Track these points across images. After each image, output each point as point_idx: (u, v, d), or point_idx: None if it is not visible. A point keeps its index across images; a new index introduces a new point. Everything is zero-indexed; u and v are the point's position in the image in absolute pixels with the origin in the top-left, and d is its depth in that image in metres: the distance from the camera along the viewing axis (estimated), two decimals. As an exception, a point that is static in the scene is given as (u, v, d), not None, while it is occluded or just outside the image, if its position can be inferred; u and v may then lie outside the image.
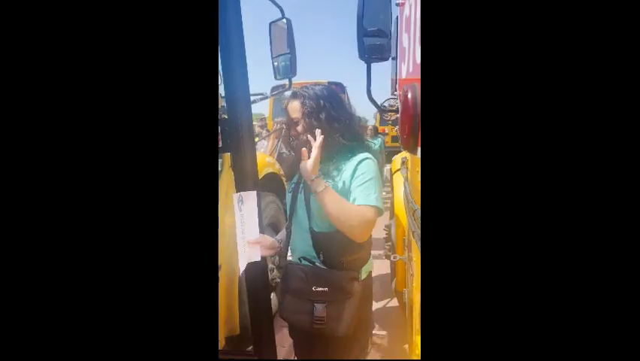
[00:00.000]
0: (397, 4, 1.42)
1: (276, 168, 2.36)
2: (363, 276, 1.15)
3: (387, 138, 5.73)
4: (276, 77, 2.06)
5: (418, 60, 0.79)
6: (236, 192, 1.13)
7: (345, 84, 6.59)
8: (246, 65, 1.25)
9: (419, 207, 0.85)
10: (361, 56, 1.40)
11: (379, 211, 1.05)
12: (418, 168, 0.86)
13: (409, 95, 0.72)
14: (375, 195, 1.05)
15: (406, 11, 1.20)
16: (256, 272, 1.08)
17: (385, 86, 3.00)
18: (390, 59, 2.17)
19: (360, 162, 1.09)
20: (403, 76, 1.27)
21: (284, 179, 2.35)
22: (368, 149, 1.15)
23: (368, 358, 1.77)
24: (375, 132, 5.90)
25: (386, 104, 2.84)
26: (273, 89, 5.31)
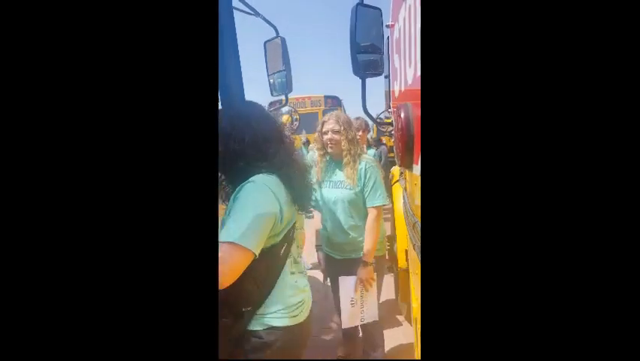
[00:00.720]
0: (387, 26, 1.46)
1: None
2: (265, 338, 0.87)
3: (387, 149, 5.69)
4: (272, 94, 2.09)
5: (410, 80, 0.81)
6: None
7: (341, 98, 6.64)
8: (242, 82, 1.28)
9: (419, 220, 0.86)
10: (356, 72, 1.42)
11: (244, 251, 0.80)
12: (416, 182, 0.87)
13: (402, 115, 0.73)
14: (240, 230, 0.80)
15: (396, 34, 1.23)
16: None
17: (380, 97, 3.04)
18: (383, 76, 2.20)
19: (239, 190, 0.87)
20: (396, 95, 1.29)
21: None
22: (278, 167, 0.93)
23: (368, 358, 1.75)
24: (375, 143, 5.69)
25: (382, 116, 2.87)
26: (270, 104, 5.35)
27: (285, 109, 2.80)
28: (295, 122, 2.88)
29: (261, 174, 0.89)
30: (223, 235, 0.80)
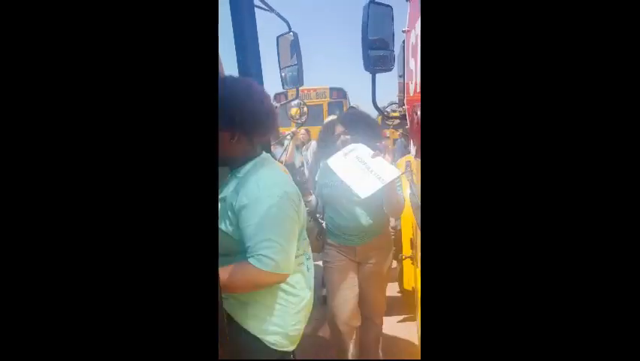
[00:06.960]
0: (403, 31, 1.52)
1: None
2: None
3: (389, 142, 5.77)
4: (283, 87, 2.15)
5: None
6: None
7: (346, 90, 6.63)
8: (261, 69, 1.32)
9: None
10: (366, 67, 1.48)
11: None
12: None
13: (418, 113, 0.80)
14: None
15: (412, 39, 1.30)
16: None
17: (387, 92, 3.08)
18: (398, 75, 2.26)
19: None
20: (411, 93, 1.36)
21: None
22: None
23: (367, 358, 1.83)
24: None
25: (388, 109, 2.93)
26: (275, 97, 5.34)
27: (294, 102, 2.86)
28: (304, 116, 2.94)
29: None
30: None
